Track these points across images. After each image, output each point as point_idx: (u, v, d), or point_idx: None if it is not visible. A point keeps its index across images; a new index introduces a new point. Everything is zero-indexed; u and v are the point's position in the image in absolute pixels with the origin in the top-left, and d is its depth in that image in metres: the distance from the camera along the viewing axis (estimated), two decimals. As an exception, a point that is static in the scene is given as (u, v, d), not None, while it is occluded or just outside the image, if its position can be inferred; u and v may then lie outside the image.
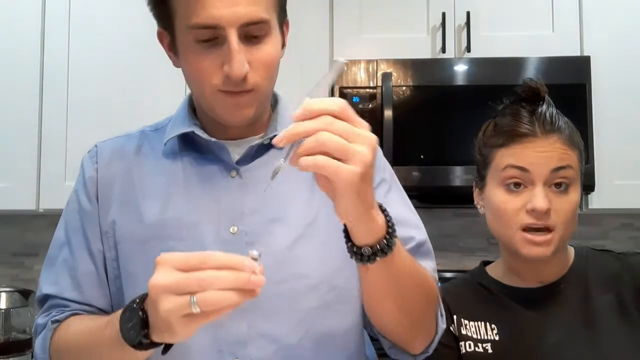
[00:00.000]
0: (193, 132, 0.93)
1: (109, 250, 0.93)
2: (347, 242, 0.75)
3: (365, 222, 0.71)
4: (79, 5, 2.04)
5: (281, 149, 0.67)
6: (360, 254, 0.73)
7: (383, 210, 0.75)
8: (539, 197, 0.98)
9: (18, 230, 2.37)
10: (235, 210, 0.90)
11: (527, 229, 1.00)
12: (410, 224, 0.95)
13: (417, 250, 0.93)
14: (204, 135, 0.92)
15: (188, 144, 0.95)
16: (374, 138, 0.67)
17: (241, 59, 0.81)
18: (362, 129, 0.67)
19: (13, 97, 2.02)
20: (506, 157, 1.02)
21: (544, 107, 1.04)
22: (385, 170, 1.00)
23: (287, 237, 0.89)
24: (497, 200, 1.03)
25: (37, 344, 0.92)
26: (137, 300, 0.73)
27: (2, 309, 1.97)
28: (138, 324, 0.71)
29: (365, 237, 0.73)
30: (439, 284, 1.18)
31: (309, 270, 0.89)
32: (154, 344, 0.72)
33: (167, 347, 0.74)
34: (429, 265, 0.93)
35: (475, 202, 1.13)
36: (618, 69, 1.94)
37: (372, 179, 0.69)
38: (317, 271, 0.89)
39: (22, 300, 2.00)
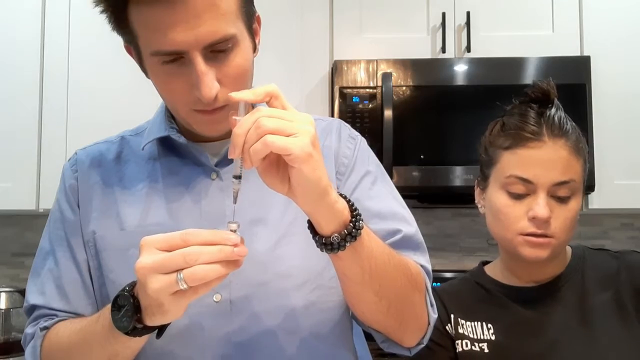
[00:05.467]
0: (170, 136, 0.92)
1: (92, 260, 0.92)
2: (314, 236, 0.73)
3: (326, 206, 0.70)
4: (79, 5, 2.04)
5: None
6: (330, 243, 0.72)
7: (344, 197, 0.74)
8: (540, 206, 0.98)
9: (18, 230, 2.37)
10: (216, 213, 0.88)
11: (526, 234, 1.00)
12: (397, 217, 0.93)
13: (405, 243, 0.90)
14: (181, 140, 0.91)
15: (167, 148, 0.94)
16: (307, 114, 0.69)
17: (209, 82, 0.78)
18: (293, 110, 0.68)
19: (13, 97, 2.02)
20: (511, 165, 1.02)
21: (553, 110, 1.03)
22: (369, 161, 0.98)
23: (270, 237, 0.88)
24: (498, 203, 1.03)
25: (28, 352, 0.91)
26: (127, 288, 0.73)
27: (2, 309, 1.97)
28: (130, 310, 0.71)
29: (330, 223, 0.71)
30: (437, 284, 1.18)
31: (293, 270, 0.88)
32: (147, 329, 0.72)
33: (161, 331, 0.74)
34: (418, 258, 0.91)
35: (476, 201, 1.13)
36: (618, 69, 1.94)
37: (321, 153, 0.69)
38: (301, 270, 0.88)
39: (22, 300, 1.99)
